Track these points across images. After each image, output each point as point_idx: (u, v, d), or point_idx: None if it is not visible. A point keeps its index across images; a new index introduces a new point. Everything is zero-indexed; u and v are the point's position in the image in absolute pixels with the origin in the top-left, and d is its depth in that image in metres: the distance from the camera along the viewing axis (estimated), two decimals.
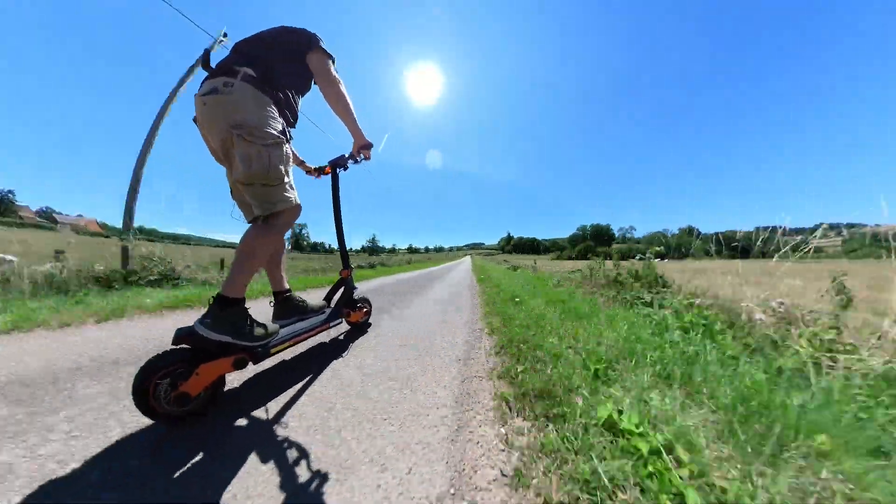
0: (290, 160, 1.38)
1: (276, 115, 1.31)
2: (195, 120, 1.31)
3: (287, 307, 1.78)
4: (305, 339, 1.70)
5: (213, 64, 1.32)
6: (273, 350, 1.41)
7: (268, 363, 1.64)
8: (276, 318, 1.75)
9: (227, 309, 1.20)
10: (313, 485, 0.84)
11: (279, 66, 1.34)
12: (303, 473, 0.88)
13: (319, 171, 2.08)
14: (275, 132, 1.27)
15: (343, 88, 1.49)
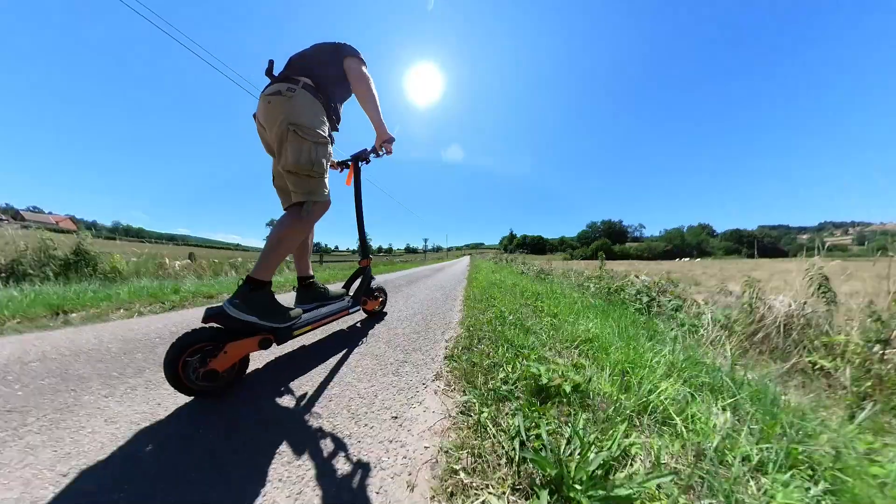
0: (329, 159, 1.66)
1: (325, 119, 1.63)
2: (255, 116, 1.66)
3: (309, 292, 2.02)
4: (326, 324, 1.90)
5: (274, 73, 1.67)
6: (295, 333, 1.58)
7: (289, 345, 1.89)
8: (298, 302, 1.98)
9: (255, 291, 1.38)
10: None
11: (330, 80, 1.69)
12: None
13: (342, 165, 2.26)
14: (323, 133, 1.59)
15: (372, 85, 1.77)
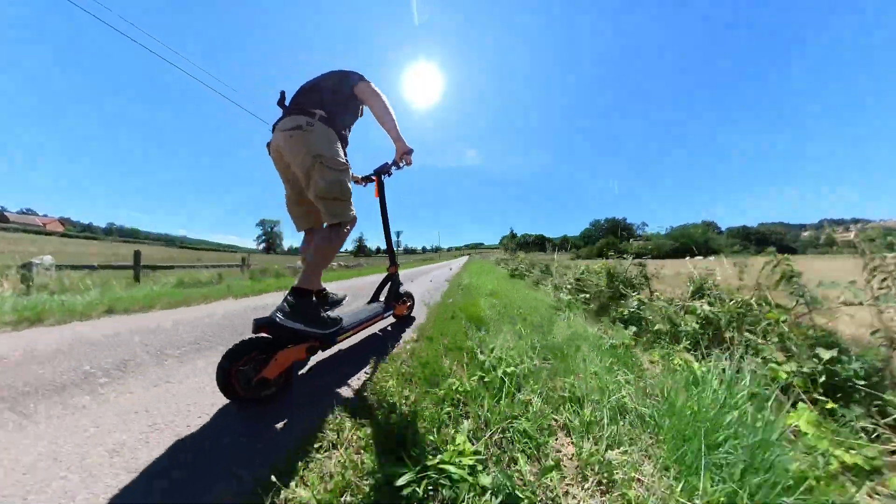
0: (350, 179, 1.84)
1: (341, 147, 1.79)
2: (268, 146, 1.81)
3: (325, 302, 2.19)
4: (364, 328, 2.06)
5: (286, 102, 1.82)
6: (339, 338, 1.69)
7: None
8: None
9: (301, 300, 1.53)
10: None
11: (340, 108, 1.84)
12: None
13: (366, 180, 2.46)
14: (344, 161, 1.77)
15: (387, 102, 1.89)
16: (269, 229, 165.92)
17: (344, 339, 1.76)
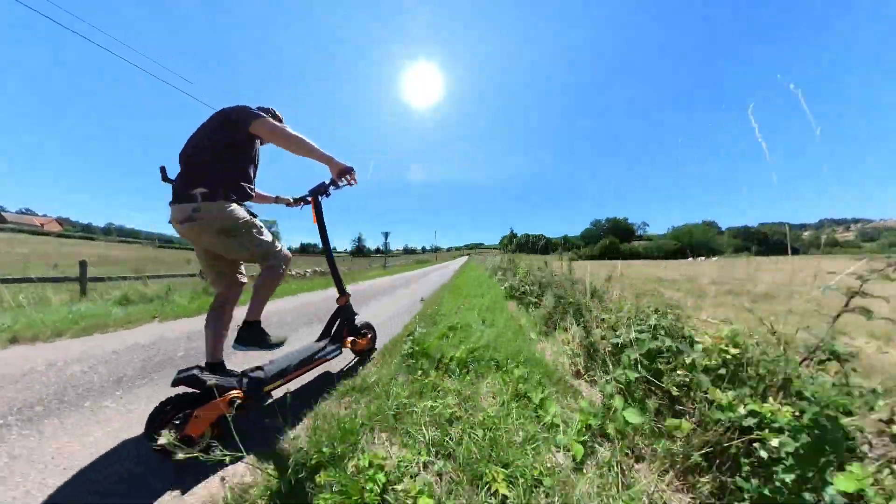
0: (262, 227, 1.84)
1: (236, 205, 1.73)
2: (171, 222, 1.71)
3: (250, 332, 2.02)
4: (301, 374, 1.89)
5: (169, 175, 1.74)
6: (266, 389, 1.63)
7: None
8: (237, 342, 1.95)
9: (249, 330, 1.80)
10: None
11: (226, 166, 1.71)
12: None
13: (301, 201, 2.29)
14: (245, 217, 1.75)
15: (290, 130, 1.79)
16: (267, 230, 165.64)
17: (274, 388, 1.67)
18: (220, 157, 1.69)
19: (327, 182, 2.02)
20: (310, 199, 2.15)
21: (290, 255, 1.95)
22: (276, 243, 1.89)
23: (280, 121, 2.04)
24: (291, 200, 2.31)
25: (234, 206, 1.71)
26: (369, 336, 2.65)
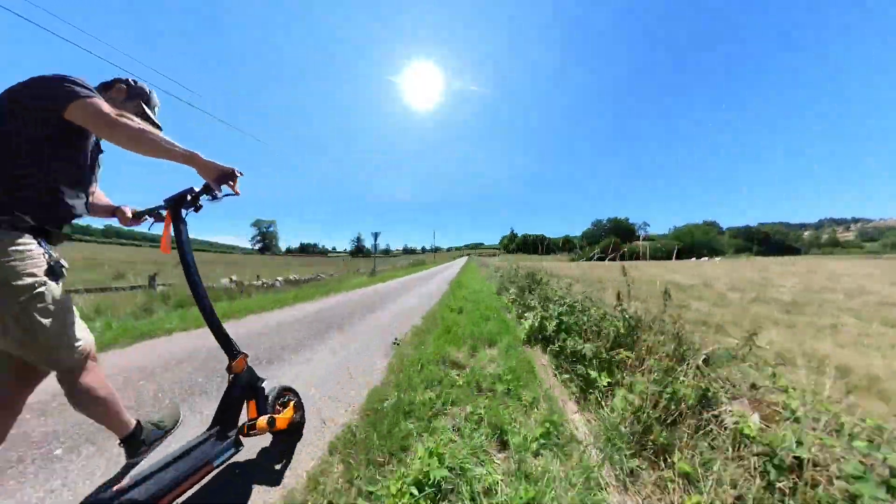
0: (65, 301, 1.17)
1: (31, 245, 1.07)
2: None
3: (137, 445, 1.41)
4: (187, 488, 1.25)
5: None
6: None
7: None
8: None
9: (131, 446, 1.36)
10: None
11: (20, 173, 1.06)
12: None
13: (147, 215, 1.58)
14: (30, 279, 1.04)
15: (134, 121, 1.16)
16: (265, 230, 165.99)
17: None
18: (14, 169, 1.06)
19: (197, 190, 1.42)
20: (164, 212, 1.45)
21: (91, 347, 1.26)
22: (79, 332, 1.21)
23: (143, 100, 1.46)
24: (130, 215, 1.59)
25: (26, 242, 1.06)
26: (292, 403, 1.84)
